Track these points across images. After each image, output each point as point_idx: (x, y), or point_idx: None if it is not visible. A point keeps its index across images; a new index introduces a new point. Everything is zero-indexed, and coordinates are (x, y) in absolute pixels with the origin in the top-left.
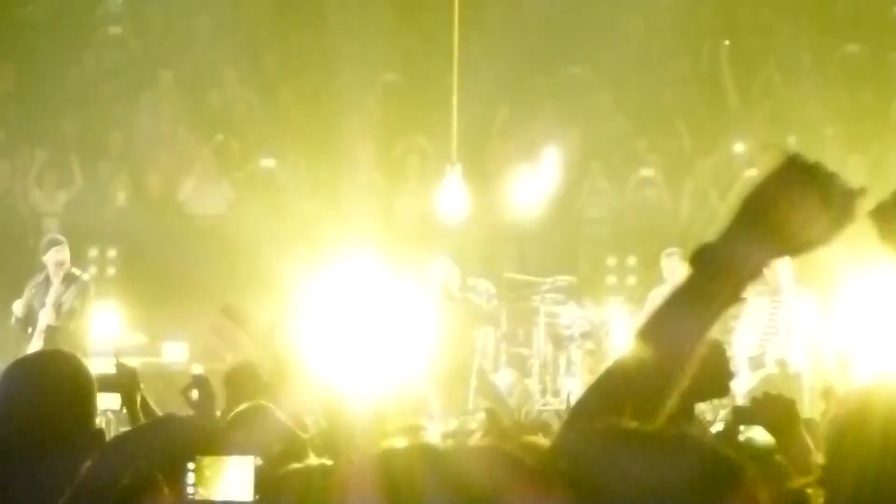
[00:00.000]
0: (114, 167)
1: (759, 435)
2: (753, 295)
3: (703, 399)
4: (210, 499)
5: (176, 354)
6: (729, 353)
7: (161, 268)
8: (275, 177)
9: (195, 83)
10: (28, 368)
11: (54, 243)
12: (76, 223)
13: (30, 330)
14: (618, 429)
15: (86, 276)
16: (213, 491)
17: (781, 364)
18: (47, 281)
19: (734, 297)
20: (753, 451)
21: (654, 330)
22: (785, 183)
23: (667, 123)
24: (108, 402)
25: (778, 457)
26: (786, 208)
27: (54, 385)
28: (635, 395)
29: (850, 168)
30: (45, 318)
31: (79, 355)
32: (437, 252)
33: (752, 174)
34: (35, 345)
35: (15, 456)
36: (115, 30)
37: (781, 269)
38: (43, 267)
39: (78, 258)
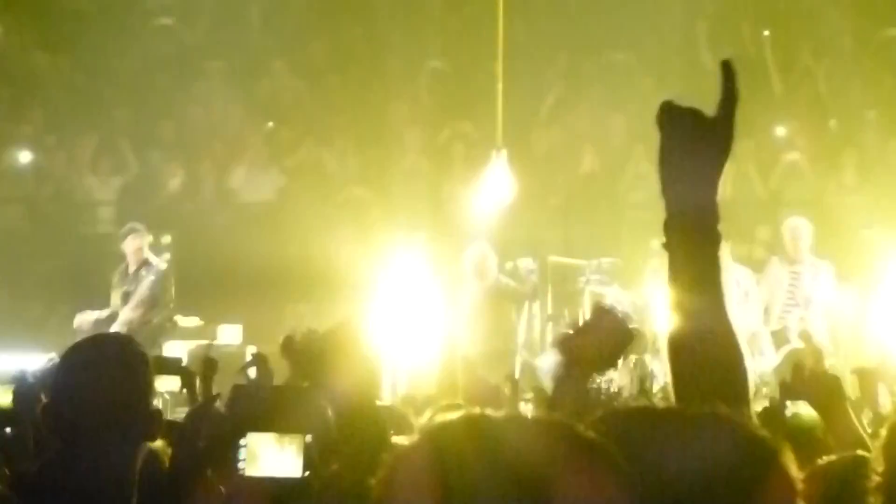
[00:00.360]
0: (167, 155)
1: (804, 410)
2: (774, 265)
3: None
4: (259, 475)
5: (230, 337)
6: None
7: (214, 253)
8: (323, 163)
9: (245, 72)
10: (83, 353)
11: (129, 231)
12: (130, 210)
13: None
14: (654, 408)
15: (163, 264)
16: (264, 468)
17: (806, 337)
18: (126, 269)
19: (713, 241)
20: (800, 427)
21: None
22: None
23: (709, 108)
24: (167, 385)
25: (821, 433)
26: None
27: (110, 368)
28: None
29: (891, 150)
30: (123, 306)
31: (160, 341)
32: (482, 237)
33: (793, 157)
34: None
35: (78, 439)
36: (167, 20)
37: (801, 237)
38: (123, 256)
39: None
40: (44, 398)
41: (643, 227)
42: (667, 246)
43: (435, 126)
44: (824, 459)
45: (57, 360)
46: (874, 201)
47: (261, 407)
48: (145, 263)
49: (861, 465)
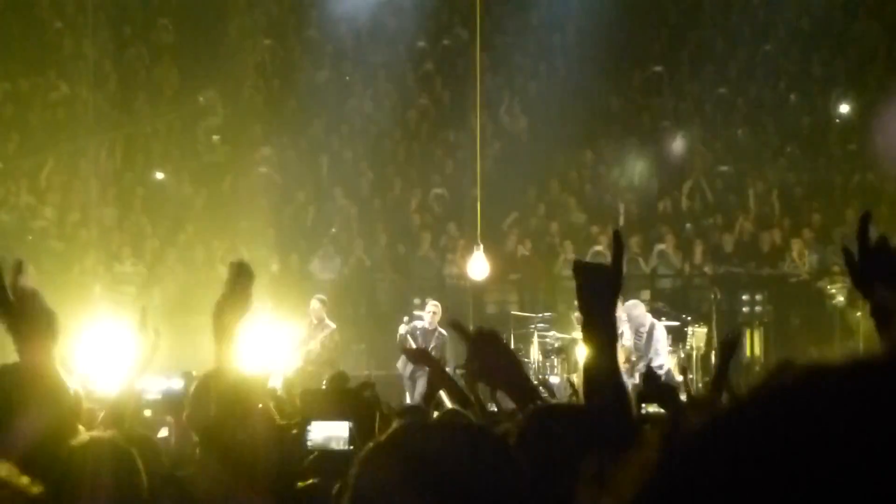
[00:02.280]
0: (270, 252)
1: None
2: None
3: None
4: (321, 446)
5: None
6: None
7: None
8: (364, 258)
9: (318, 199)
10: None
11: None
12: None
13: None
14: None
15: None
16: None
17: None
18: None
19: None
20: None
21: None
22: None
23: (612, 218)
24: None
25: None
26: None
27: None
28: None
29: None
30: None
31: None
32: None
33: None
34: None
35: None
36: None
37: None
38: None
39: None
40: None
41: (570, 293)
42: (584, 339)
43: (438, 229)
44: None
45: None
46: None
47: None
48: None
49: None
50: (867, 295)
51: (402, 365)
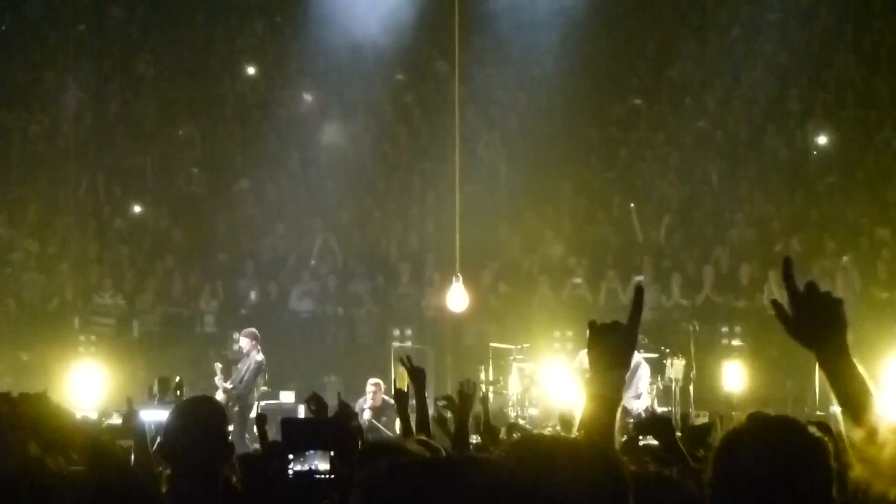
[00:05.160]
0: (248, 282)
1: (651, 441)
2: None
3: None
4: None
5: (287, 398)
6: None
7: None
8: (348, 290)
9: (300, 231)
10: (186, 409)
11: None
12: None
13: None
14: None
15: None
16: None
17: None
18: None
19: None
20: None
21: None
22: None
23: (591, 251)
24: None
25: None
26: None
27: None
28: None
29: None
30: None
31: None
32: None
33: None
34: None
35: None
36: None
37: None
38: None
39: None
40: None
41: (546, 324)
42: (588, 395)
43: (417, 261)
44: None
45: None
46: None
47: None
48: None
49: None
50: (807, 345)
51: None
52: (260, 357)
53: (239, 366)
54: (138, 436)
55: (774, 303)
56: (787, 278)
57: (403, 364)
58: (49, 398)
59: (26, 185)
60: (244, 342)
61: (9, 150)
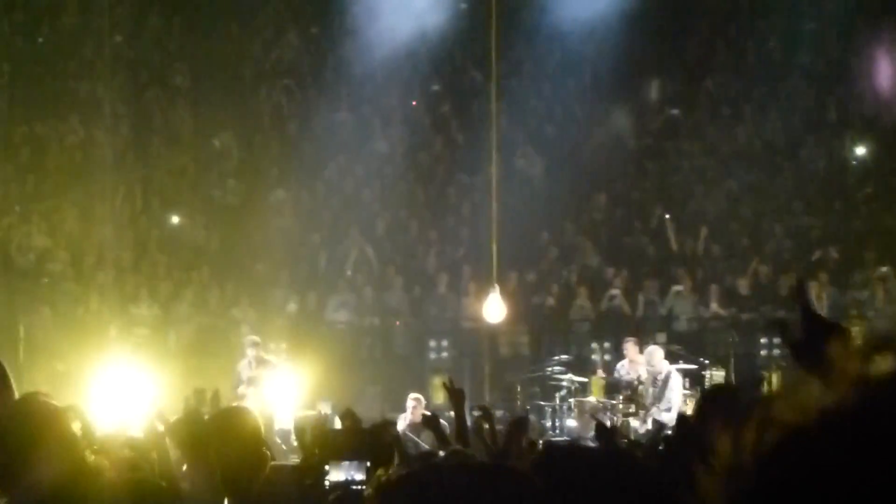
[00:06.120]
0: (285, 294)
1: None
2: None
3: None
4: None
5: (325, 408)
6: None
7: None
8: (384, 300)
9: (334, 241)
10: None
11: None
12: (260, 327)
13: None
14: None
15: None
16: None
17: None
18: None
19: None
20: None
21: None
22: None
23: (628, 261)
24: None
25: None
26: None
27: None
28: None
29: None
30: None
31: None
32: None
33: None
34: None
35: None
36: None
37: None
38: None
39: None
40: None
41: (584, 336)
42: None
43: (453, 272)
44: None
45: None
46: None
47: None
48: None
49: None
50: (817, 371)
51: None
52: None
53: (250, 373)
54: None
55: (781, 324)
56: (801, 298)
57: (445, 386)
58: (80, 409)
59: (63, 195)
60: (253, 351)
61: (45, 160)
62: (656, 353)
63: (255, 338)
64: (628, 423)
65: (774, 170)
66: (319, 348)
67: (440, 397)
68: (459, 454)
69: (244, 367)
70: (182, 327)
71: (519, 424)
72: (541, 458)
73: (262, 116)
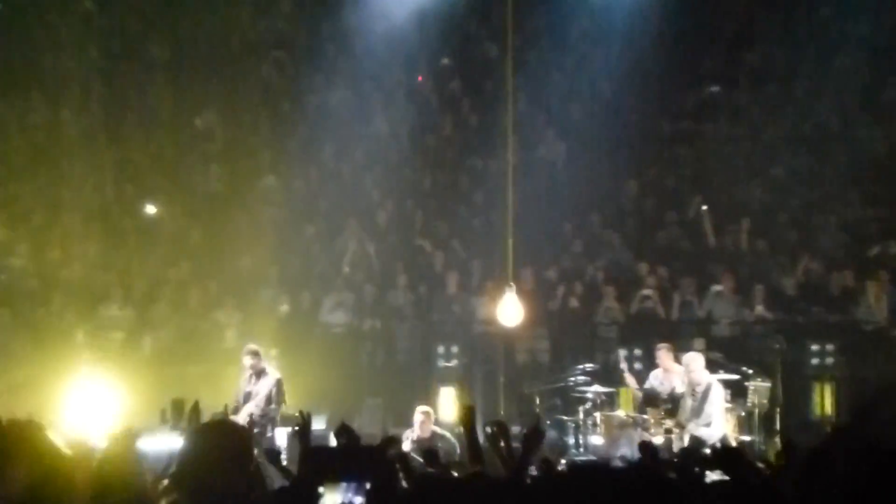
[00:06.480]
0: (275, 294)
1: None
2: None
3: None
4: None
5: (318, 424)
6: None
7: (312, 367)
8: (388, 300)
9: (329, 232)
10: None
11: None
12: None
13: None
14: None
15: (276, 373)
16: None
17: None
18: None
19: None
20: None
21: None
22: None
23: (662, 258)
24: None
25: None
26: None
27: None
28: None
29: None
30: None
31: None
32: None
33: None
34: None
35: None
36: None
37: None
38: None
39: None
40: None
41: (613, 343)
42: None
43: (464, 269)
44: None
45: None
46: None
47: None
48: (262, 373)
49: None
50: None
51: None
52: (277, 374)
53: (249, 389)
54: (136, 467)
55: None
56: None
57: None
58: (39, 425)
59: (24, 181)
60: (251, 361)
61: (5, 143)
62: (696, 360)
63: (253, 346)
64: (670, 440)
65: (826, 155)
66: (313, 354)
67: (450, 411)
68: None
69: (244, 383)
70: (158, 331)
71: (534, 436)
72: (563, 479)
73: (250, 93)
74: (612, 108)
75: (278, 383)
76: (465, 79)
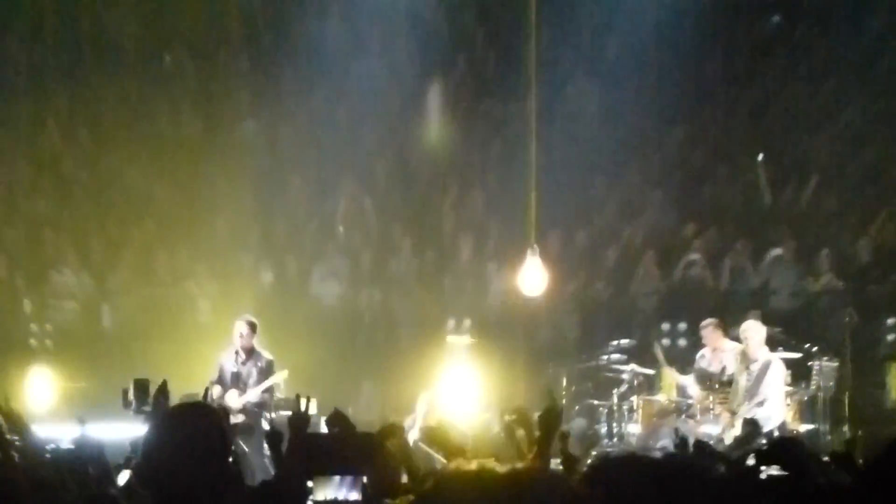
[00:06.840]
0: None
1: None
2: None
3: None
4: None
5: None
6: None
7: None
8: (389, 266)
9: (320, 191)
10: (174, 421)
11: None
12: (224, 305)
13: None
14: (641, 456)
15: (269, 356)
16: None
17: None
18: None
19: None
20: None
21: None
22: None
23: (711, 217)
24: None
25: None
26: None
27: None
28: None
29: None
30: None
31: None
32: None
33: None
34: None
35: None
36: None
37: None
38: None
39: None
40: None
41: (652, 316)
42: None
43: (479, 232)
44: None
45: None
46: None
47: None
48: (253, 352)
49: None
50: None
51: None
52: (269, 355)
53: (237, 369)
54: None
55: None
56: None
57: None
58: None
59: None
60: (245, 330)
61: None
62: (756, 330)
63: (251, 317)
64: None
65: None
66: (301, 331)
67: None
68: None
69: (228, 360)
70: (120, 301)
71: (549, 418)
72: (593, 473)
73: (226, 26)
74: (652, 42)
75: (270, 366)
76: (480, 9)
